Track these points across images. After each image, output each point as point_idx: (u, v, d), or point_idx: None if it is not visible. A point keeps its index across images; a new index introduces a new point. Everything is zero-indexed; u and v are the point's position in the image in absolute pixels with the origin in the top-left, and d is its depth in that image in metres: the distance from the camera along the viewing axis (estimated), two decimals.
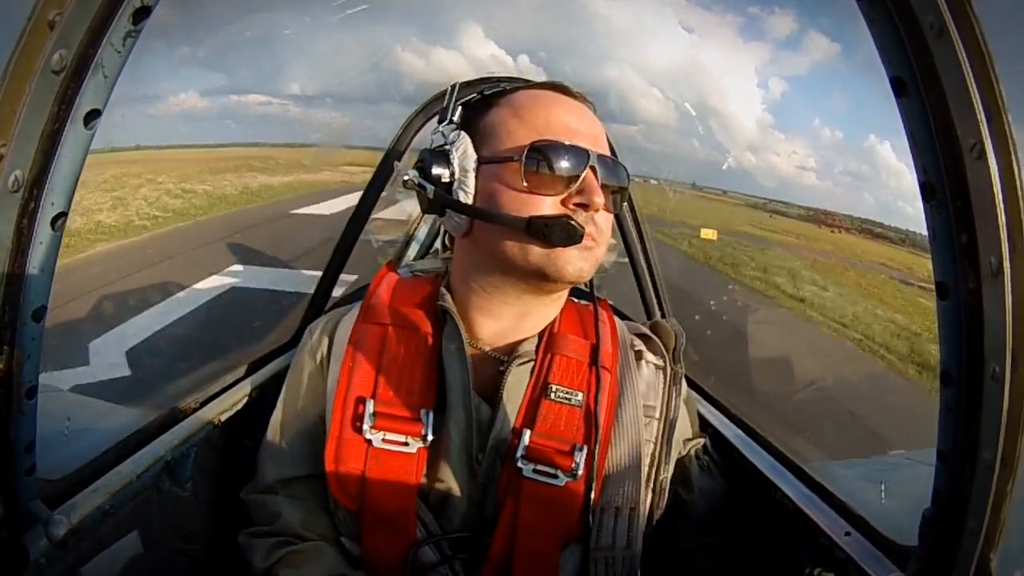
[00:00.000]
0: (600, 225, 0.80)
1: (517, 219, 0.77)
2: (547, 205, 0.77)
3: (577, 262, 0.78)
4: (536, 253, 0.77)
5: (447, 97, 0.87)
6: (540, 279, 0.80)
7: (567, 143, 0.78)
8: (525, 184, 0.77)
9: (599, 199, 0.77)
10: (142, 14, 0.51)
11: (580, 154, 0.78)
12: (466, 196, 0.81)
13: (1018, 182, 0.47)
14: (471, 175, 0.80)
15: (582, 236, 0.76)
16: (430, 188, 0.82)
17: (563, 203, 0.78)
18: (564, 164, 0.77)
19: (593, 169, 0.78)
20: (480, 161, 0.81)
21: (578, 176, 0.77)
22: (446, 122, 0.85)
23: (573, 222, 0.76)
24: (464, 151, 0.81)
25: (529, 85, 0.87)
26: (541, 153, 0.77)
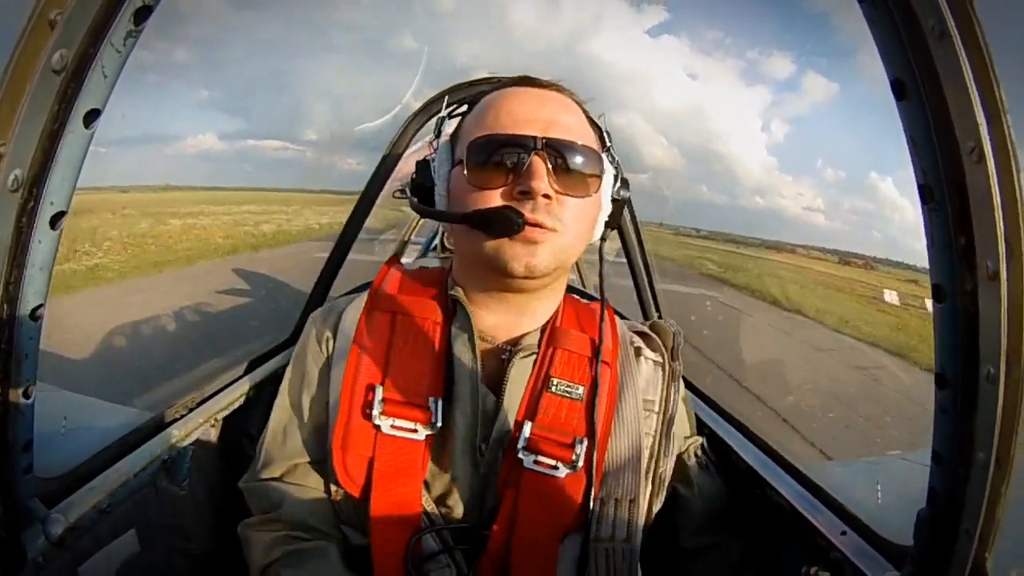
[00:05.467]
0: (556, 212, 0.77)
1: (455, 215, 0.80)
2: (493, 198, 0.77)
3: (523, 257, 0.76)
4: (486, 247, 0.77)
5: (441, 108, 0.93)
6: (496, 274, 0.80)
7: (505, 133, 0.78)
8: (471, 182, 0.78)
9: (536, 183, 0.75)
10: (143, 14, 0.51)
11: (521, 142, 0.77)
12: (441, 200, 0.84)
13: (1016, 186, 0.47)
14: (443, 181, 0.84)
15: (521, 225, 0.75)
16: (410, 197, 0.87)
17: (508, 194, 0.77)
18: (503, 155, 0.77)
19: (541, 154, 0.76)
20: (451, 166, 0.84)
21: (521, 165, 0.76)
22: (434, 135, 0.90)
23: (511, 212, 0.75)
24: (440, 160, 0.85)
25: (498, 84, 0.89)
26: (479, 148, 0.78)
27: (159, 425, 1.01)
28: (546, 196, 0.76)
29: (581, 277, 3.21)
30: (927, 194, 0.53)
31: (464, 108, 0.91)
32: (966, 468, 0.56)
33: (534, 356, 0.86)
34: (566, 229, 0.78)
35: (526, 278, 0.78)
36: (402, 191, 0.90)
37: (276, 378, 1.25)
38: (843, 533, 0.84)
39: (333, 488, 0.85)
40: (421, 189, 0.86)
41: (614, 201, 0.88)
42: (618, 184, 0.88)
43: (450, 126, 0.93)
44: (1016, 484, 0.52)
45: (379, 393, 0.81)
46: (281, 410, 0.93)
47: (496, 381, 0.84)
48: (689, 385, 1.30)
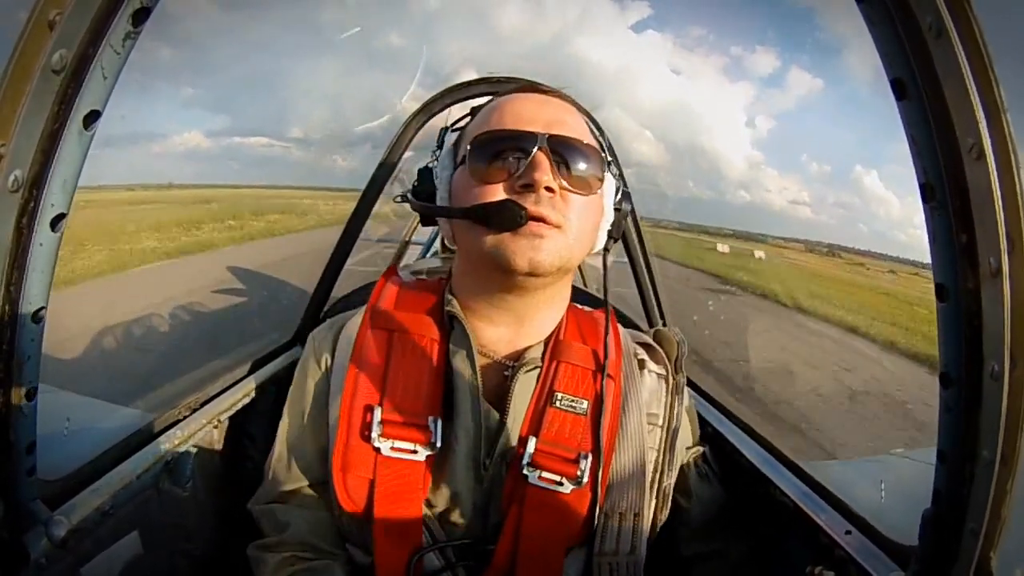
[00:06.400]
0: (559, 208, 0.76)
1: (456, 210, 0.79)
2: (495, 193, 0.76)
3: (527, 252, 0.74)
4: (487, 243, 0.75)
5: (440, 109, 0.92)
6: (498, 272, 0.78)
7: (506, 128, 0.78)
8: (473, 176, 0.78)
9: (539, 175, 0.74)
10: (142, 15, 0.51)
11: (523, 138, 0.76)
12: (442, 204, 0.83)
13: (1017, 182, 0.47)
14: (445, 185, 0.83)
15: (524, 217, 0.73)
16: (411, 198, 0.87)
17: (511, 188, 0.76)
18: (503, 150, 0.77)
19: (545, 151, 0.76)
20: (453, 170, 0.83)
21: (524, 160, 0.76)
22: (436, 145, 0.90)
23: (513, 204, 0.73)
24: (443, 164, 0.84)
25: (498, 83, 0.89)
26: (483, 144, 0.78)
27: (162, 427, 1.01)
28: (549, 190, 0.75)
29: (583, 278, 3.21)
30: (928, 193, 0.53)
31: (468, 119, 0.90)
32: (971, 466, 0.55)
33: (538, 370, 0.85)
34: (570, 226, 0.77)
35: (529, 275, 0.76)
36: (403, 196, 0.90)
37: (278, 379, 1.25)
38: (847, 532, 0.84)
39: (336, 509, 0.85)
40: (422, 195, 0.85)
41: (617, 211, 0.87)
42: (619, 196, 0.87)
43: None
44: (1021, 482, 0.52)
45: (377, 414, 0.80)
46: (285, 431, 0.93)
47: (498, 396, 0.83)
48: (691, 384, 1.30)
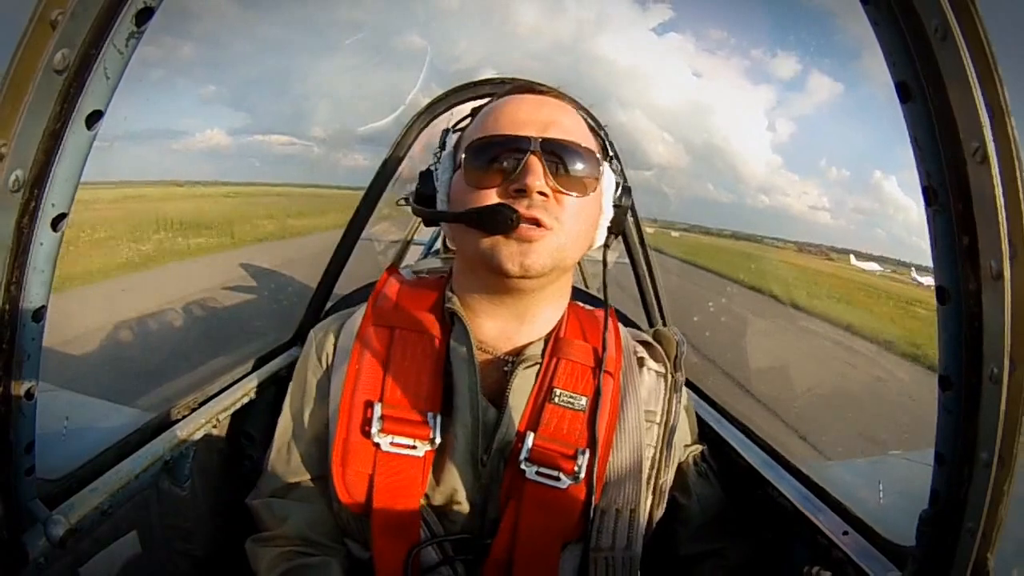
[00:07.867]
0: (552, 211, 0.77)
1: (450, 214, 0.81)
2: (489, 197, 0.77)
3: (518, 257, 0.75)
4: (481, 246, 0.77)
5: (444, 109, 0.96)
6: (492, 273, 0.79)
7: (502, 134, 0.79)
8: (469, 182, 0.79)
9: (532, 180, 0.75)
10: (145, 15, 0.51)
11: (516, 142, 0.77)
12: (442, 206, 0.85)
13: (1020, 186, 0.47)
14: (444, 188, 0.84)
15: (516, 221, 0.74)
16: (412, 203, 0.87)
17: (505, 192, 0.77)
18: (497, 155, 0.78)
19: (537, 153, 0.76)
20: (452, 173, 0.84)
21: (518, 164, 0.76)
22: (439, 147, 0.90)
23: (505, 208, 0.74)
24: (443, 167, 0.85)
25: (500, 85, 0.89)
26: (478, 150, 0.79)
27: (161, 426, 1.00)
28: (542, 194, 0.76)
29: (584, 279, 3.21)
30: (931, 196, 0.53)
31: (468, 120, 0.91)
32: (969, 468, 0.56)
33: (537, 367, 0.85)
34: (563, 228, 0.78)
35: (522, 277, 0.77)
36: (405, 199, 0.91)
37: (278, 379, 1.25)
38: (845, 533, 0.84)
39: (335, 504, 0.85)
40: (423, 197, 0.86)
41: (616, 207, 0.87)
42: (619, 191, 0.87)
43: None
44: (1018, 483, 0.52)
45: (378, 410, 0.81)
46: (284, 425, 0.93)
47: (497, 392, 0.84)
48: (690, 385, 1.30)
